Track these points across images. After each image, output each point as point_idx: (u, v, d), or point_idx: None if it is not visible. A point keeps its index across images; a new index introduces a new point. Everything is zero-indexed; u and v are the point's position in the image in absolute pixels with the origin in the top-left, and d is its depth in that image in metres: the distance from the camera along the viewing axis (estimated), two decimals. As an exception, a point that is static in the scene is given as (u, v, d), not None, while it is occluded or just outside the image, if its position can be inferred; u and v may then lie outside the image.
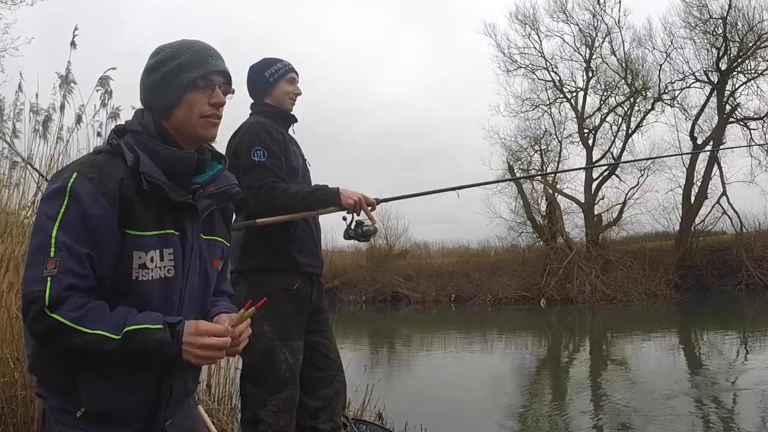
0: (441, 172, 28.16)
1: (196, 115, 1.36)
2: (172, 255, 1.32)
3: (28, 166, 3.64)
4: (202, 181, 1.42)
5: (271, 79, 2.68)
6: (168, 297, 1.32)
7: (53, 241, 1.18)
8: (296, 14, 40.81)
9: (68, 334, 1.15)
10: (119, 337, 1.16)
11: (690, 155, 18.22)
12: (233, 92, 1.44)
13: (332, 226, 2.77)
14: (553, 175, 19.60)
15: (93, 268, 1.21)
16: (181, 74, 1.35)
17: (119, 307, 1.23)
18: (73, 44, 3.82)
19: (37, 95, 3.90)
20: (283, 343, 2.48)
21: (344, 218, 2.63)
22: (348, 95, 36.65)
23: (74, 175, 1.23)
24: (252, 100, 2.78)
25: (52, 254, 1.17)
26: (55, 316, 1.14)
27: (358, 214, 2.60)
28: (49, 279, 1.16)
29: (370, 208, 2.59)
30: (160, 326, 1.20)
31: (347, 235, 2.65)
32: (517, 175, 19.48)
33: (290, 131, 2.77)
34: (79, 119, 3.80)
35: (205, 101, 1.37)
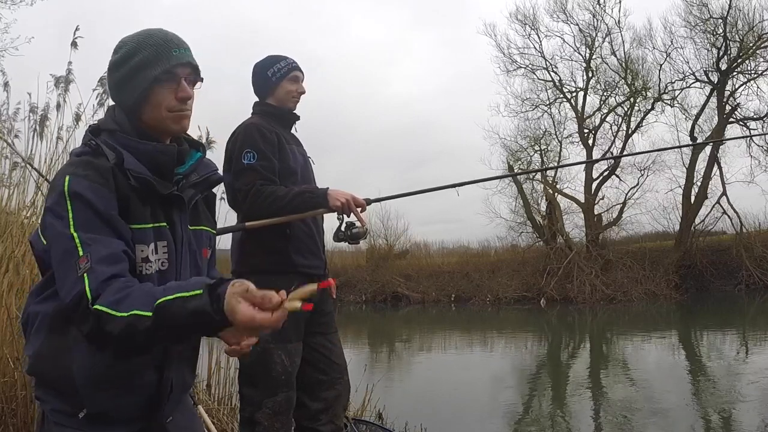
0: (442, 172, 28.20)
1: (163, 110, 1.32)
2: (165, 248, 1.32)
3: (28, 166, 3.64)
4: (183, 171, 1.41)
5: (274, 78, 2.63)
6: None
7: (77, 240, 1.15)
8: (310, 16, 40.84)
9: (107, 321, 1.07)
10: (151, 313, 1.05)
11: (690, 154, 18.25)
12: (202, 81, 1.39)
13: (332, 227, 2.75)
14: (552, 172, 19.61)
15: (125, 252, 1.20)
16: (143, 71, 1.30)
17: (169, 282, 1.18)
18: (74, 44, 3.83)
19: (29, 94, 3.91)
20: (278, 345, 2.45)
21: (339, 218, 2.57)
22: (357, 95, 36.71)
23: (67, 178, 1.21)
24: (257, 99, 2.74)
25: (81, 252, 1.14)
26: (96, 307, 1.09)
27: (348, 216, 2.54)
28: (85, 275, 1.12)
29: (359, 209, 2.52)
30: (197, 292, 1.05)
31: (336, 237, 2.61)
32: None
33: (293, 130, 2.73)
34: (78, 118, 3.81)
35: (172, 96, 1.32)
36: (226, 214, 2.68)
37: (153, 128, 1.35)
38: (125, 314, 1.06)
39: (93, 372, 1.23)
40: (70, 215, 1.17)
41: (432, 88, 36.07)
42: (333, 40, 40.12)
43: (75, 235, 1.15)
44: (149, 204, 1.30)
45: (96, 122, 1.41)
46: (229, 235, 2.62)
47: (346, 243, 2.63)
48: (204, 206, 1.51)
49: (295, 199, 2.46)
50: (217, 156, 2.43)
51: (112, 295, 1.09)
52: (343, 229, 2.59)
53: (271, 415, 2.42)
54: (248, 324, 1.03)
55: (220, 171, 1.56)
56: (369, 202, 2.62)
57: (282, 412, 2.45)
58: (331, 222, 2.72)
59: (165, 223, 1.33)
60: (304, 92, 2.69)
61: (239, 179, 2.46)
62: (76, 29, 3.83)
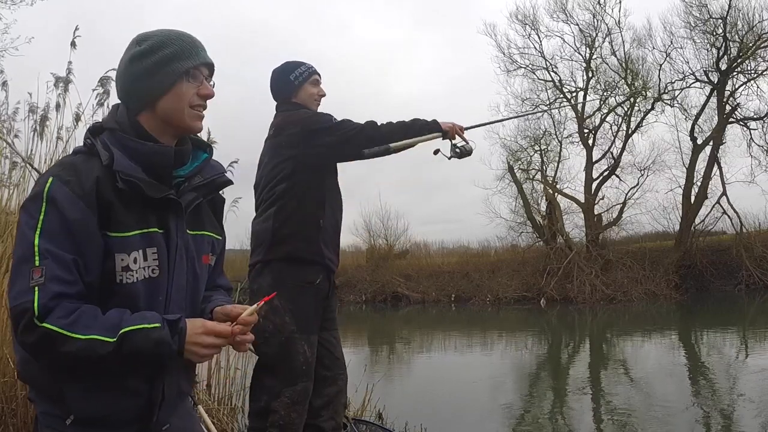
0: (448, 172, 28.27)
1: (185, 105, 1.32)
2: (156, 254, 1.28)
3: (28, 166, 3.64)
4: (185, 173, 1.38)
5: (296, 82, 2.72)
6: (153, 297, 1.28)
7: (36, 249, 1.14)
8: (310, 16, 40.82)
9: (61, 342, 1.11)
10: (114, 339, 1.13)
11: (690, 154, 18.28)
12: (214, 85, 1.41)
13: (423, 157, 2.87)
14: (552, 172, 19.60)
15: (80, 273, 1.18)
16: (172, 63, 1.31)
17: (112, 310, 1.19)
18: (73, 44, 3.84)
19: (30, 94, 3.91)
20: (302, 335, 2.51)
21: (436, 152, 2.83)
22: (357, 96, 36.67)
23: (50, 179, 1.20)
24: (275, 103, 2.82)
25: (37, 263, 1.13)
26: (45, 325, 1.10)
27: (454, 139, 2.80)
28: (36, 288, 1.12)
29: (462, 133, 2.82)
30: (157, 325, 1.18)
31: (453, 152, 2.83)
32: (518, 175, 19.49)
33: None
34: (77, 118, 3.81)
35: (194, 92, 1.33)
36: (226, 214, 2.69)
37: (165, 125, 1.33)
38: (82, 337, 1.12)
39: (81, 379, 1.21)
40: (41, 218, 1.17)
41: (432, 89, 36.07)
42: (333, 40, 40.11)
43: (36, 242, 1.15)
44: (137, 209, 1.26)
45: (99, 121, 1.39)
46: (236, 235, 2.69)
47: (458, 158, 2.87)
48: (209, 210, 1.47)
49: (416, 123, 2.69)
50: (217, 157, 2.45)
51: (64, 317, 1.13)
52: (455, 147, 2.84)
53: (289, 405, 2.45)
54: (212, 329, 1.25)
55: (233, 171, 1.56)
56: (464, 129, 2.88)
57: (299, 402, 2.48)
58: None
59: (157, 228, 1.29)
60: (324, 95, 2.80)
61: (339, 127, 2.57)
62: (75, 29, 3.84)
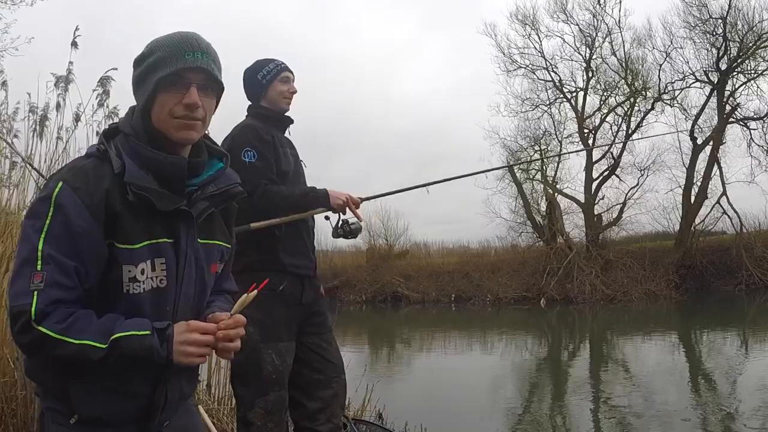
0: (453, 173, 28.20)
1: (166, 115, 1.26)
2: (164, 265, 1.27)
3: (28, 166, 3.64)
4: (199, 182, 1.35)
5: (264, 81, 2.65)
6: (160, 307, 1.28)
7: (39, 253, 1.15)
8: (319, 16, 40.74)
9: (54, 345, 1.14)
10: (105, 345, 1.15)
11: (690, 154, 18.27)
12: (222, 90, 1.34)
13: (323, 225, 2.80)
14: (552, 172, 19.60)
15: (80, 280, 1.19)
16: (153, 72, 1.26)
17: (107, 315, 1.21)
18: (74, 44, 3.84)
19: (29, 94, 3.92)
20: (268, 344, 2.47)
21: (327, 218, 2.69)
22: (369, 96, 36.67)
23: (60, 184, 1.19)
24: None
25: (39, 267, 1.15)
26: (40, 328, 1.13)
27: (344, 213, 2.68)
28: (35, 293, 1.13)
29: (356, 207, 2.67)
30: (147, 332, 1.19)
31: (335, 233, 2.73)
32: (518, 175, 19.49)
33: (286, 133, 2.75)
34: (77, 118, 3.82)
35: (177, 101, 1.25)
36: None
37: (162, 134, 1.30)
38: (75, 341, 1.15)
39: (87, 380, 1.23)
40: (47, 222, 1.17)
41: (435, 88, 36.08)
42: (337, 41, 40.07)
43: (40, 246, 1.16)
44: (147, 220, 1.25)
45: (116, 122, 1.37)
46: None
47: (344, 238, 2.75)
48: (220, 219, 1.45)
49: (301, 200, 2.57)
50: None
51: (58, 322, 1.15)
52: (340, 225, 2.71)
53: (264, 415, 2.43)
54: (195, 327, 1.25)
55: None
56: (362, 200, 2.75)
57: (275, 412, 2.46)
58: (324, 222, 2.76)
59: (166, 238, 1.28)
60: (295, 92, 2.72)
61: (240, 177, 2.46)
62: (76, 29, 3.85)
